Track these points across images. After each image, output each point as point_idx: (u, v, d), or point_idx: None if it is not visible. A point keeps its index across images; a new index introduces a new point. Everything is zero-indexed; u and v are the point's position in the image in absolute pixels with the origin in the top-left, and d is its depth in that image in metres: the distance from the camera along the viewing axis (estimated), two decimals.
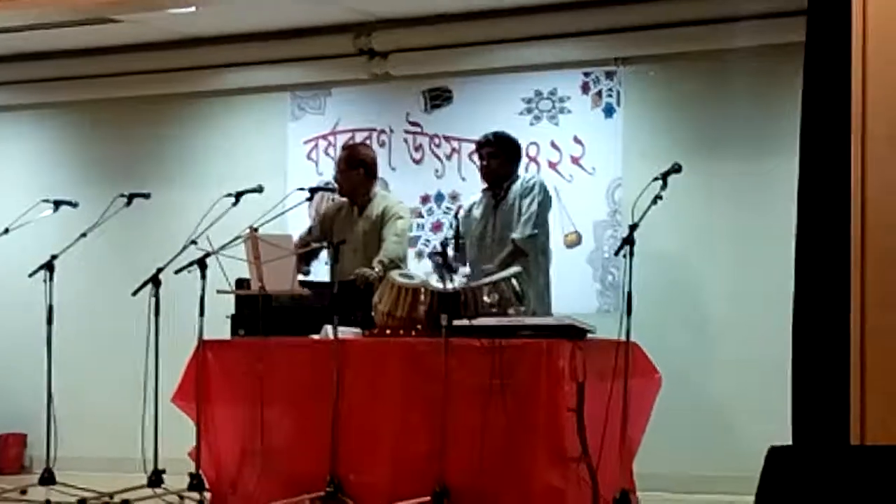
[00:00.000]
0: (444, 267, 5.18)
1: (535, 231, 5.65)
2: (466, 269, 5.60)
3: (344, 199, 6.02)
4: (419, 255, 6.71)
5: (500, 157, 5.76)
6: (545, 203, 5.73)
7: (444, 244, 5.32)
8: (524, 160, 6.38)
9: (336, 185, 6.12)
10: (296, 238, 5.81)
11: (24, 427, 7.14)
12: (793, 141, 4.50)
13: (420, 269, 5.97)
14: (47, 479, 5.76)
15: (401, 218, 5.83)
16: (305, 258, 5.80)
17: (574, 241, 6.48)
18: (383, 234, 5.78)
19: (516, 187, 5.74)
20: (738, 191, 6.19)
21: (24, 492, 5.82)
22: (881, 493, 2.76)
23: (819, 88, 4.03)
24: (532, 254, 5.67)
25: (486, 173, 5.82)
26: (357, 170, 5.89)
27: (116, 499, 5.52)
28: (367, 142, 6.86)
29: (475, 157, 6.65)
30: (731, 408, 6.06)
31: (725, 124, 6.19)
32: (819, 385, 3.91)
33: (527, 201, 5.68)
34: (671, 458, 5.91)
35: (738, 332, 6.09)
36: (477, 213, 5.86)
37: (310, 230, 6.09)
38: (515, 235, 5.64)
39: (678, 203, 5.93)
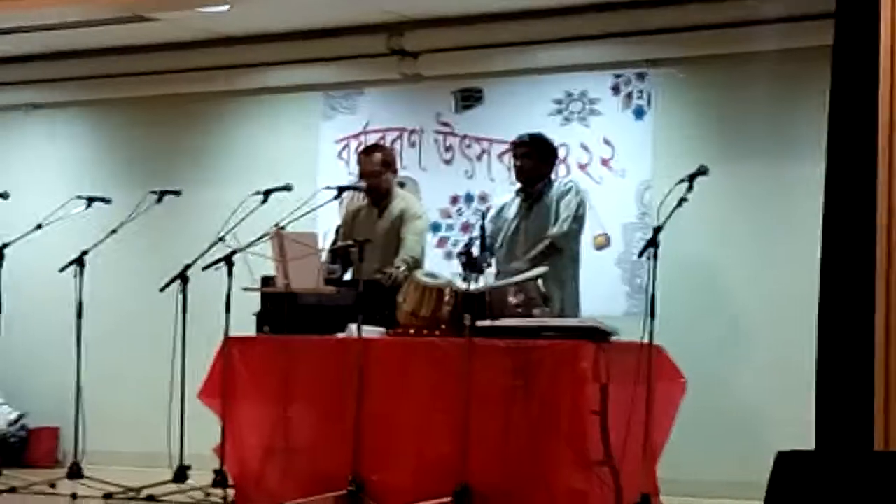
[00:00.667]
0: (470, 267, 5.17)
1: (574, 227, 5.61)
2: (492, 269, 5.58)
3: (363, 200, 6.03)
4: (448, 255, 6.70)
5: (533, 157, 5.73)
6: (582, 207, 5.68)
7: (468, 244, 5.30)
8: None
9: (364, 185, 6.11)
10: (327, 244, 5.80)
11: (58, 421, 7.21)
12: (823, 143, 4.45)
13: (448, 270, 5.96)
14: (75, 473, 5.81)
15: (419, 218, 5.84)
16: (343, 262, 5.77)
17: (603, 244, 6.45)
18: (403, 234, 5.78)
19: (553, 191, 5.70)
20: (768, 193, 6.13)
21: (52, 485, 5.87)
22: (893, 499, 2.72)
23: (847, 92, 3.98)
24: (568, 252, 5.61)
25: (519, 173, 5.78)
26: (390, 170, 5.90)
27: (142, 494, 5.56)
28: (398, 142, 6.88)
29: (505, 158, 6.65)
30: (758, 412, 5.99)
31: (755, 127, 6.13)
32: (843, 390, 3.86)
33: (565, 202, 5.64)
34: (696, 462, 5.86)
35: (765, 336, 6.03)
36: (509, 213, 5.83)
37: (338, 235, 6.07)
38: (553, 231, 5.60)
39: (708, 205, 5.90)
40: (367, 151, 6.06)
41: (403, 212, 5.84)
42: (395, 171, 5.98)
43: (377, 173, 5.87)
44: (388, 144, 6.72)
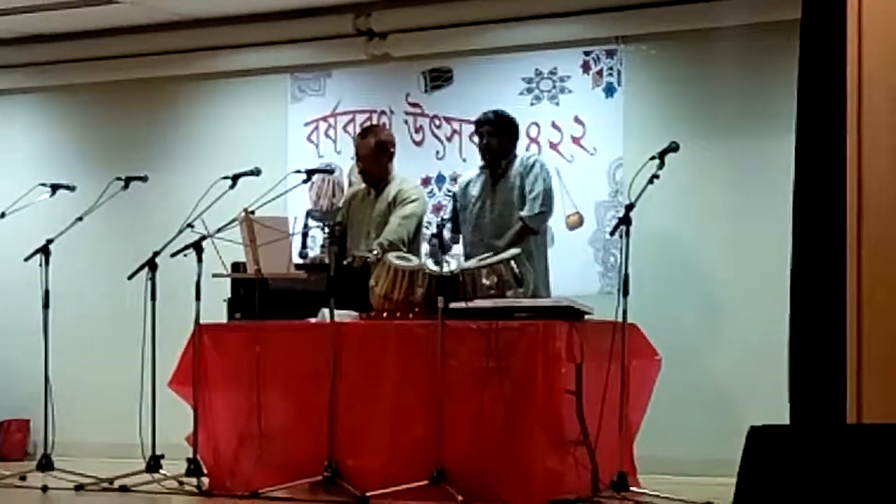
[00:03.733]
0: (441, 249, 5.14)
1: (544, 209, 5.62)
2: (459, 249, 5.57)
3: (360, 185, 5.97)
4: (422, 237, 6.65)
5: (500, 135, 5.73)
6: (548, 182, 5.70)
7: (440, 226, 5.27)
8: (525, 141, 6.36)
9: (335, 167, 6.07)
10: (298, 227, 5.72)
11: (28, 413, 7.12)
12: (794, 118, 4.42)
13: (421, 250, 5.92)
14: (45, 465, 5.75)
15: (413, 201, 5.76)
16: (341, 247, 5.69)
17: (575, 223, 6.42)
18: (391, 217, 5.72)
19: (516, 166, 5.70)
20: (740, 168, 6.11)
21: (23, 478, 5.80)
22: (865, 472, 2.72)
23: (815, 66, 3.96)
24: (537, 237, 5.63)
25: (485, 152, 5.77)
26: (386, 154, 5.82)
27: (115, 484, 5.50)
28: (367, 123, 6.81)
29: (476, 138, 6.61)
30: (733, 389, 5.99)
31: (726, 102, 6.11)
32: (816, 365, 3.86)
33: (530, 179, 5.66)
34: (673, 440, 5.87)
35: (740, 312, 6.03)
36: (474, 190, 5.82)
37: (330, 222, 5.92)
38: (524, 213, 5.61)
39: (680, 182, 5.89)
40: (363, 134, 5.93)
41: (399, 194, 5.76)
42: (390, 156, 5.87)
43: (368, 157, 5.78)
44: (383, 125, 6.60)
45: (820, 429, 3.13)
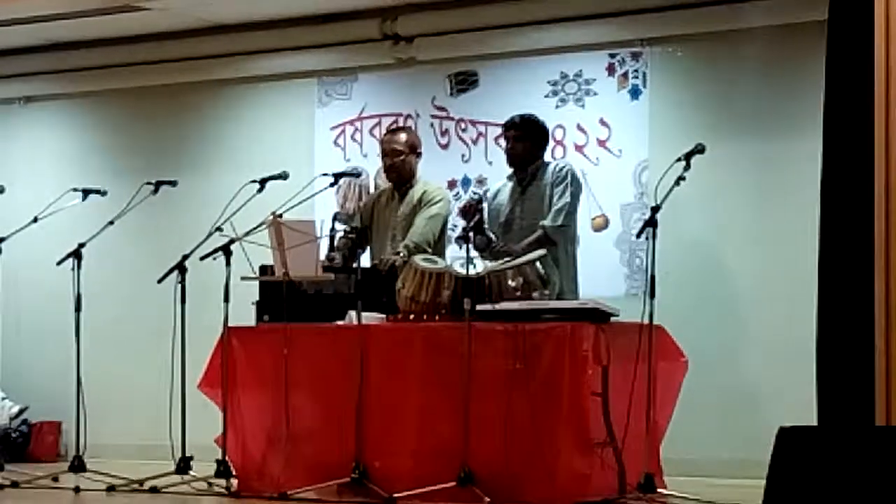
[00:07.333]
0: (478, 248, 5.16)
1: (567, 223, 5.60)
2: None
3: (384, 187, 6.00)
4: (447, 240, 6.67)
5: (526, 140, 5.70)
6: (577, 193, 5.68)
7: (466, 229, 5.29)
8: (551, 144, 6.36)
9: (361, 171, 6.10)
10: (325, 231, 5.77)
11: (59, 415, 7.21)
12: (820, 119, 4.42)
13: (448, 253, 5.94)
14: (77, 466, 5.81)
15: (437, 203, 5.78)
16: (351, 249, 5.75)
17: (601, 225, 6.43)
18: (416, 218, 5.75)
19: (547, 174, 5.67)
20: (766, 170, 6.11)
21: (55, 479, 5.87)
22: (894, 473, 2.72)
23: (842, 66, 3.96)
24: (561, 243, 5.62)
25: (511, 157, 5.76)
26: (415, 153, 5.86)
27: (145, 486, 5.56)
28: (394, 127, 6.85)
29: (501, 141, 6.63)
30: (760, 390, 5.99)
31: (752, 103, 6.10)
32: (844, 366, 3.85)
33: (559, 190, 5.61)
34: (700, 441, 5.86)
35: (766, 313, 6.02)
36: (502, 198, 5.81)
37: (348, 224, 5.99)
38: (546, 223, 5.59)
39: (706, 184, 5.89)
40: (393, 132, 5.99)
41: (423, 196, 5.79)
42: (418, 155, 5.92)
43: (400, 153, 5.80)
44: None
45: (849, 430, 3.13)
